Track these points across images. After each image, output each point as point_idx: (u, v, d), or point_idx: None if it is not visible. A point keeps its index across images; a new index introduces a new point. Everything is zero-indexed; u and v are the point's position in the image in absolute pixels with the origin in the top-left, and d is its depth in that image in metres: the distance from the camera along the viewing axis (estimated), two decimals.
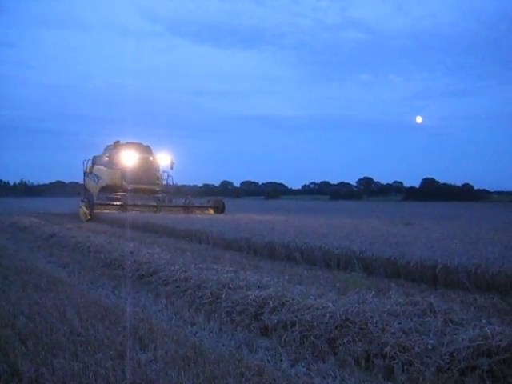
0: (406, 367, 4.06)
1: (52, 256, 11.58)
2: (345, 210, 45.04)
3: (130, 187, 27.01)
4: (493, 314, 5.67)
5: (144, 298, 7.06)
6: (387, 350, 4.27)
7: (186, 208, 27.27)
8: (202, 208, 28.46)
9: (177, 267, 8.29)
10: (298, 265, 10.23)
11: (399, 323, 4.64)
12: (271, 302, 5.68)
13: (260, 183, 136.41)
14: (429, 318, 4.77)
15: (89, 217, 24.30)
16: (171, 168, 29.47)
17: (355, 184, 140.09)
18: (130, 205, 25.13)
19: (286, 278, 7.63)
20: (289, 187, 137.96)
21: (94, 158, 30.38)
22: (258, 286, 6.52)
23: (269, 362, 4.46)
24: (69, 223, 20.66)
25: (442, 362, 3.95)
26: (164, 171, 29.50)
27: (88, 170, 30.61)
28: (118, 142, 29.10)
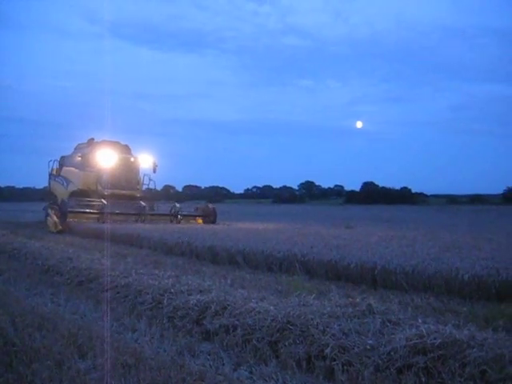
0: (345, 367, 4.13)
1: None
2: (287, 213, 45.50)
3: (106, 192, 23.40)
4: (429, 313, 5.86)
5: (83, 304, 6.91)
6: (327, 351, 4.33)
7: (174, 217, 24.12)
8: (192, 217, 25.40)
9: (117, 273, 8.15)
10: (240, 269, 10.25)
11: (339, 325, 4.71)
12: (213, 307, 5.66)
13: (203, 187, 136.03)
14: (368, 319, 4.87)
15: (60, 227, 20.68)
16: (154, 171, 26.13)
17: (297, 188, 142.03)
18: (110, 213, 21.54)
19: (229, 282, 7.63)
20: (231, 191, 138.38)
21: (63, 158, 26.72)
22: (200, 291, 6.48)
23: (211, 366, 4.44)
24: (3, 229, 19.95)
25: (380, 362, 4.03)
26: (145, 174, 26.25)
27: (55, 172, 26.71)
28: (92, 139, 25.45)
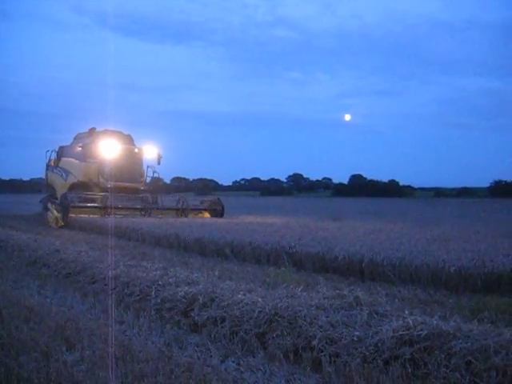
0: (333, 359, 4.15)
1: None
2: (275, 206, 45.55)
3: (109, 185, 21.73)
4: (415, 305, 5.91)
5: (71, 296, 6.88)
6: (315, 342, 4.35)
7: (181, 211, 22.40)
8: (198, 210, 23.82)
9: (105, 265, 8.12)
10: (228, 261, 10.26)
11: (327, 316, 4.73)
12: (201, 299, 5.66)
13: (191, 179, 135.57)
14: (355, 311, 4.89)
15: (62, 223, 19.39)
16: (158, 163, 24.67)
17: (285, 180, 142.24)
18: (116, 208, 20.39)
19: (216, 273, 7.63)
20: (220, 183, 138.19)
21: (61, 148, 24.97)
22: (188, 283, 6.48)
23: (199, 358, 4.44)
24: None
25: (367, 353, 4.06)
26: (148, 166, 24.70)
27: (52, 163, 25.14)
28: (93, 128, 23.96)
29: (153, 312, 5.85)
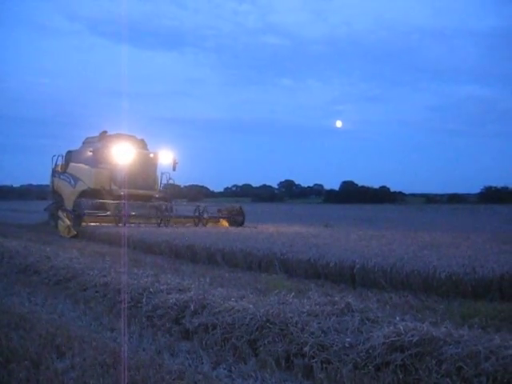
0: (324, 365, 4.15)
1: None
2: (266, 212, 45.52)
3: (121, 192, 20.23)
4: (407, 311, 5.93)
5: (62, 304, 6.85)
6: (306, 349, 4.35)
7: (200, 220, 21.20)
8: (215, 219, 22.63)
9: (96, 272, 8.08)
10: (219, 267, 10.25)
11: (318, 323, 4.73)
12: (192, 306, 5.65)
13: (182, 186, 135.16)
14: (346, 317, 4.89)
15: (74, 232, 17.83)
16: (174, 169, 23.31)
17: (277, 187, 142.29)
18: (132, 216, 19.47)
19: (208, 280, 7.62)
20: (211, 190, 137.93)
21: (69, 152, 23.36)
22: (179, 290, 6.46)
23: (190, 365, 4.43)
24: None
25: (358, 359, 4.07)
26: (163, 172, 23.43)
27: (60, 169, 23.43)
28: (105, 132, 22.70)
29: (144, 319, 5.83)
